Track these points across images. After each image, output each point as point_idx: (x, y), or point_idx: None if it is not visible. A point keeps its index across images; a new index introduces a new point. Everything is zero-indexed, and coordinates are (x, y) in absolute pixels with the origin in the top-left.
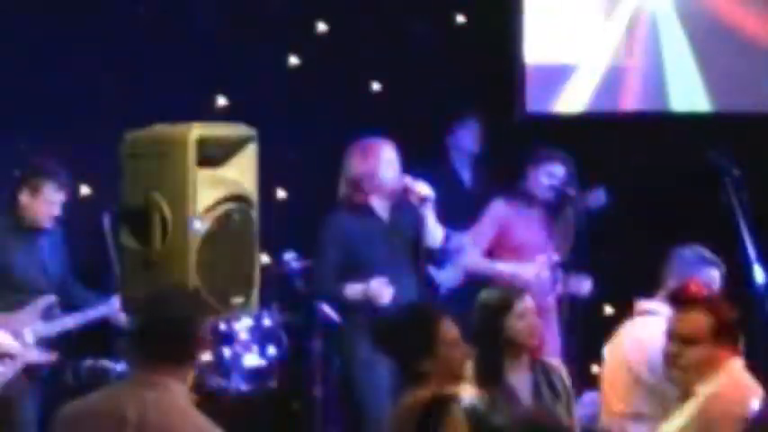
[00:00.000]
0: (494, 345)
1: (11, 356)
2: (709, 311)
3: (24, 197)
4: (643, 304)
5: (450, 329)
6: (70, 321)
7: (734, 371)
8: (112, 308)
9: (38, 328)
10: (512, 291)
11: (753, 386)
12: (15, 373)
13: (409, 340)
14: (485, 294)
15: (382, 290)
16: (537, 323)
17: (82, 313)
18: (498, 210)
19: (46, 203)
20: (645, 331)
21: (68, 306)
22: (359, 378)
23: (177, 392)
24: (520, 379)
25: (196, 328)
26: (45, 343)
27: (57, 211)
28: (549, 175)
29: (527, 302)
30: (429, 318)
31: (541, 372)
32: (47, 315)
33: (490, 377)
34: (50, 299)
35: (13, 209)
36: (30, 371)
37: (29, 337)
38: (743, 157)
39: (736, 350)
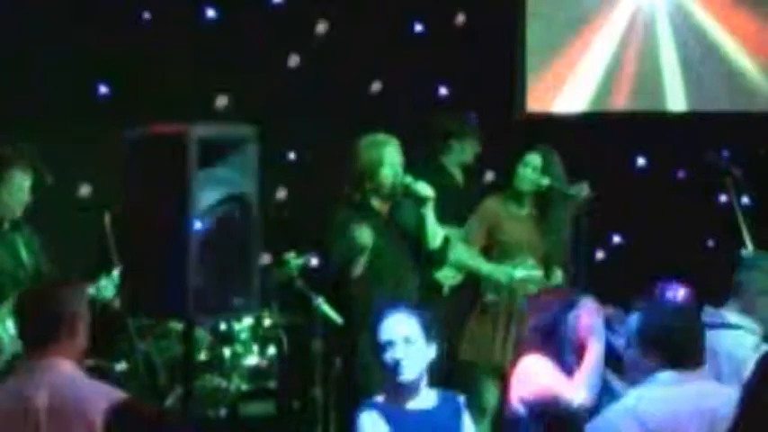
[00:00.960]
0: (560, 342)
1: None
2: (642, 316)
3: None
4: (726, 316)
5: (384, 332)
6: None
7: (654, 383)
8: (98, 290)
9: None
10: (571, 290)
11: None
12: (4, 364)
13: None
14: (547, 294)
15: (362, 231)
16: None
17: None
18: (487, 209)
19: (18, 191)
20: (740, 349)
21: None
22: (360, 378)
23: (68, 370)
24: None
25: (68, 306)
26: None
27: (27, 196)
28: (525, 164)
29: (587, 301)
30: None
31: None
32: None
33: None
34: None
35: None
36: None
37: (13, 329)
38: (743, 157)
39: (667, 361)
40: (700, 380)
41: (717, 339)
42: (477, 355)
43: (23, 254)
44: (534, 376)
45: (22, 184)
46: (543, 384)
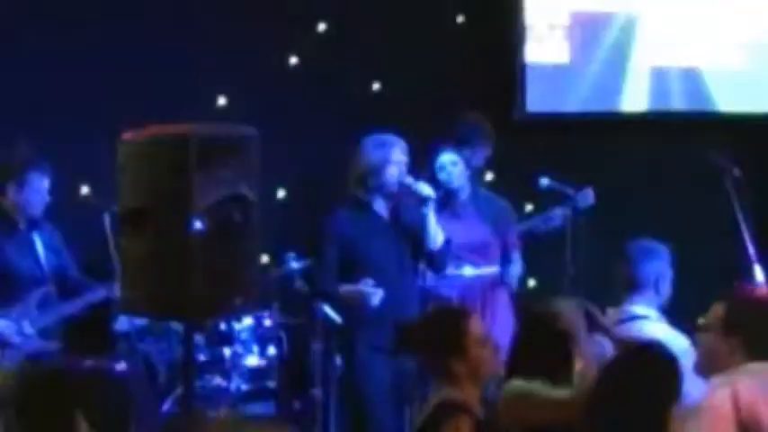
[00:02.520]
0: None
1: (12, 346)
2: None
3: (11, 192)
4: (633, 310)
5: (477, 328)
6: (67, 308)
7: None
8: (113, 290)
9: (35, 317)
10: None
11: None
12: (18, 363)
13: (438, 338)
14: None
15: (370, 292)
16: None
17: (80, 298)
18: None
19: (35, 193)
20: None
21: (70, 296)
22: (358, 378)
23: None
24: None
25: None
26: (46, 333)
27: (46, 197)
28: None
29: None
30: (458, 316)
31: None
32: (43, 305)
33: None
34: (45, 289)
35: (1, 205)
36: (32, 361)
37: (27, 327)
38: (743, 157)
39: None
40: None
41: (639, 328)
42: None
43: (41, 252)
44: None
45: (39, 186)
46: None
